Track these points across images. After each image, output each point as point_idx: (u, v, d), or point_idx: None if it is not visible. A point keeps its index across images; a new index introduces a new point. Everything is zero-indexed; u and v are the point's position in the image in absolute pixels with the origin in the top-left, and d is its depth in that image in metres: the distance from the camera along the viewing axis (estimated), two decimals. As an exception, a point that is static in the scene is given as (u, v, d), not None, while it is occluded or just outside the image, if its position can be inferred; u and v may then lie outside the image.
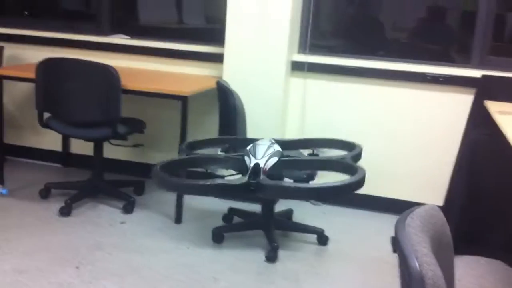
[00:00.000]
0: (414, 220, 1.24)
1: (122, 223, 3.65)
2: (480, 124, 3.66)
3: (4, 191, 3.98)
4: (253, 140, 3.31)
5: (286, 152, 3.30)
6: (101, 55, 4.36)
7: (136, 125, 3.93)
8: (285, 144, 3.44)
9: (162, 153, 4.46)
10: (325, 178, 3.01)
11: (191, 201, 3.98)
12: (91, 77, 3.57)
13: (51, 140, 4.65)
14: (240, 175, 3.11)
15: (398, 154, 4.01)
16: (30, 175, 4.43)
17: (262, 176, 2.97)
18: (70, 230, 3.49)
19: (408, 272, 1.10)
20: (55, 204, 3.79)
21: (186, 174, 3.49)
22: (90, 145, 3.96)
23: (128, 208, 3.81)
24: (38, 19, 4.91)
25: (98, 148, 3.94)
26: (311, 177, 3.32)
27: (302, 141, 3.66)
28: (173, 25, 4.89)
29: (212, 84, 3.84)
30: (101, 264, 3.07)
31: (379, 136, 4.00)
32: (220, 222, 3.72)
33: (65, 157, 4.73)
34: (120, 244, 3.34)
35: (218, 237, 3.45)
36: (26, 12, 5.11)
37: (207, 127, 4.27)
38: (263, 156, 3.08)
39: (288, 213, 3.83)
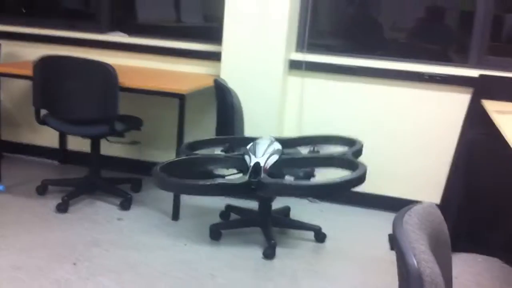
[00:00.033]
0: (412, 217, 1.24)
1: (119, 220, 3.65)
2: (477, 123, 3.67)
3: (1, 187, 3.97)
4: (253, 139, 3.31)
5: (285, 151, 3.31)
6: (99, 53, 4.35)
7: (133, 123, 3.93)
8: (285, 142, 3.45)
9: (159, 150, 4.47)
10: (326, 175, 3.02)
11: (188, 198, 3.98)
12: (88, 75, 3.57)
13: (48, 137, 4.65)
14: (241, 174, 3.12)
15: (395, 153, 4.02)
16: (27, 172, 4.43)
17: (263, 175, 2.98)
18: (67, 227, 3.49)
19: (406, 270, 1.10)
20: (52, 201, 3.79)
21: (187, 175, 3.48)
22: (87, 142, 3.96)
23: (125, 205, 3.81)
24: (37, 17, 4.90)
25: (95, 145, 3.94)
26: (311, 174, 3.32)
27: (302, 139, 3.67)
28: (171, 24, 4.89)
29: (209, 82, 3.85)
30: (98, 261, 3.07)
31: (377, 134, 4.01)
32: (217, 219, 3.72)
33: (62, 154, 4.73)
34: (117, 241, 3.34)
35: (215, 234, 3.45)
36: (23, 10, 5.09)
37: (204, 125, 4.27)
38: (264, 154, 3.09)
39: (285, 210, 3.84)
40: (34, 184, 4.00)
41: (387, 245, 3.53)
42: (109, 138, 3.82)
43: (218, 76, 4.01)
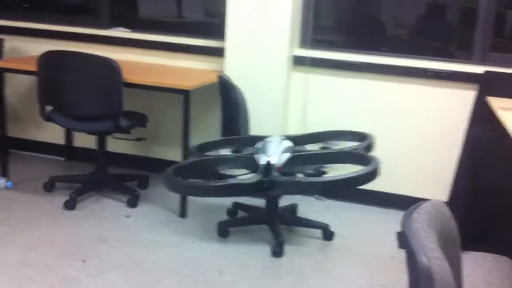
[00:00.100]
0: (421, 215, 1.24)
1: (126, 217, 3.67)
2: (482, 120, 3.66)
3: (8, 184, 3.99)
4: (262, 138, 3.31)
5: (295, 148, 3.31)
6: (101, 48, 4.35)
7: (139, 119, 3.93)
8: (295, 140, 3.45)
9: (164, 147, 4.47)
10: (338, 171, 3.02)
11: (195, 195, 3.99)
12: (92, 70, 3.57)
13: (54, 134, 4.66)
14: (253, 174, 3.12)
15: (400, 150, 4.01)
16: (33, 169, 4.44)
17: (275, 173, 2.98)
18: (75, 224, 3.50)
19: (416, 268, 1.10)
20: (60, 198, 3.80)
21: (198, 177, 3.49)
22: (93, 138, 3.97)
23: (133, 202, 3.82)
24: (39, 12, 4.90)
25: (101, 142, 3.95)
26: (324, 171, 3.31)
27: (312, 135, 3.66)
28: (173, 19, 4.89)
29: (213, 78, 3.85)
30: (106, 258, 3.08)
31: (381, 131, 4.00)
32: (224, 217, 3.73)
33: (68, 151, 4.74)
34: (125, 238, 3.35)
35: (223, 231, 3.46)
36: (25, 4, 5.09)
37: (209, 121, 4.28)
38: (274, 153, 3.09)
39: (293, 207, 3.84)
40: (41, 181, 4.01)
41: (394, 243, 3.51)
42: (115, 134, 3.82)
43: (221, 71, 4.01)
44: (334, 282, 3.02)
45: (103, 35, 4.49)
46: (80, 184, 3.91)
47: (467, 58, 3.93)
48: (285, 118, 4.13)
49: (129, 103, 3.75)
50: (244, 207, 3.76)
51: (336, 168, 3.26)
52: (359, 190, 3.46)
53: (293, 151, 3.21)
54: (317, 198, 4.17)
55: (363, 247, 3.46)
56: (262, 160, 3.08)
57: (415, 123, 3.97)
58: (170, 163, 3.99)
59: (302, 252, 3.33)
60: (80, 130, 3.97)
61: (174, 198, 3.76)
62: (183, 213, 3.72)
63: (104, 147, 3.97)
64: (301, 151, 3.36)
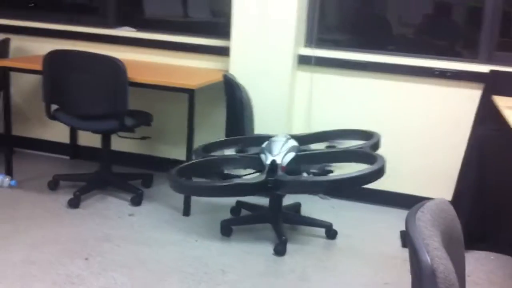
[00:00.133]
0: (424, 214, 1.23)
1: (130, 215, 3.67)
2: (488, 119, 3.65)
3: (12, 182, 4.00)
4: (267, 137, 3.31)
5: (301, 147, 3.30)
6: (107, 48, 4.36)
7: (143, 118, 3.94)
8: (301, 139, 3.44)
9: (169, 145, 4.48)
10: (344, 170, 3.01)
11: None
12: (98, 70, 3.58)
13: (58, 132, 4.67)
14: (258, 173, 3.12)
15: (405, 149, 4.00)
16: (38, 167, 4.45)
17: (280, 173, 2.97)
18: (79, 222, 3.50)
19: (419, 266, 1.09)
20: (64, 196, 3.81)
21: (203, 177, 3.48)
22: (98, 137, 3.98)
23: (136, 201, 3.83)
24: (45, 12, 4.92)
25: (106, 141, 3.95)
26: (329, 170, 3.30)
27: (318, 135, 3.66)
28: (178, 19, 4.89)
29: (218, 77, 3.85)
30: (109, 256, 3.08)
31: (387, 130, 3.98)
32: (228, 215, 3.73)
33: (73, 149, 4.75)
34: (129, 236, 3.35)
35: (226, 230, 3.46)
36: (31, 4, 5.11)
37: (214, 120, 4.27)
38: (280, 152, 3.08)
39: (296, 206, 3.84)
40: (45, 179, 4.02)
41: (398, 242, 3.52)
42: (120, 133, 3.83)
43: (227, 71, 4.01)
44: (337, 280, 3.01)
45: (109, 35, 4.49)
46: (84, 182, 3.92)
47: (473, 57, 3.92)
48: (290, 117, 4.13)
49: (134, 102, 3.76)
50: (247, 205, 3.76)
51: (341, 167, 3.25)
52: (364, 189, 3.45)
53: (299, 151, 3.20)
54: (321, 197, 4.17)
55: (366, 246, 3.46)
56: (267, 159, 3.07)
57: (420, 122, 3.96)
58: (174, 162, 4.01)
59: (305, 251, 3.32)
60: (85, 129, 3.97)
61: (178, 197, 3.76)
62: (186, 212, 3.72)
63: (109, 146, 3.98)
64: (307, 150, 3.36)
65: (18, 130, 4.63)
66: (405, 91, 3.96)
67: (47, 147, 4.79)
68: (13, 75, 4.08)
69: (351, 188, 3.72)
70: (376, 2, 4.60)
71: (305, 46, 4.15)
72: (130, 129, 3.81)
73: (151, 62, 4.41)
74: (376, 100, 4.02)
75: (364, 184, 2.98)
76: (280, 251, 3.24)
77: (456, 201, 3.61)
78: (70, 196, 3.73)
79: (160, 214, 3.71)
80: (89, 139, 4.54)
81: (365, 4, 4.58)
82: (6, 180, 3.99)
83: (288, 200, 3.70)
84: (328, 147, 3.56)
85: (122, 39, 4.47)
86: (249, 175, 3.30)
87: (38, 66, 3.68)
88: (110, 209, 3.73)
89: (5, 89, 3.99)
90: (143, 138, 4.20)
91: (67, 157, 4.74)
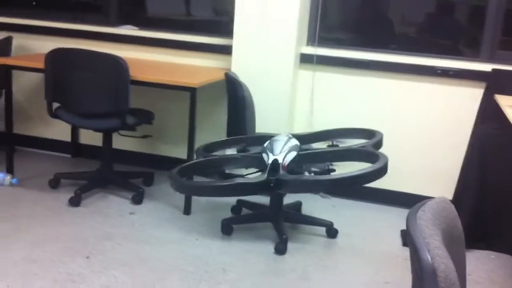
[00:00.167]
0: (425, 213, 1.23)
1: (131, 213, 3.67)
2: (490, 118, 3.64)
3: (14, 181, 4.00)
4: (269, 137, 3.30)
5: (303, 147, 3.29)
6: (109, 46, 4.36)
7: (145, 116, 3.94)
8: (302, 138, 3.43)
9: (170, 144, 4.48)
10: (346, 169, 3.00)
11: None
12: (100, 68, 3.58)
13: (60, 130, 4.67)
14: (260, 173, 3.11)
15: (407, 147, 4.00)
16: (39, 165, 4.45)
17: (281, 172, 2.97)
18: (80, 221, 3.50)
19: (420, 265, 1.09)
20: (65, 194, 3.81)
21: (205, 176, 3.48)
22: (99, 135, 3.98)
23: (137, 199, 3.82)
24: (47, 10, 4.92)
25: (107, 139, 3.95)
26: (331, 168, 3.29)
27: (320, 133, 3.65)
28: (181, 17, 4.89)
29: (220, 76, 3.84)
30: (110, 255, 3.08)
31: (388, 129, 3.98)
32: (228, 214, 3.73)
33: (74, 148, 4.75)
34: (129, 235, 3.35)
35: (227, 229, 3.45)
36: (34, 2, 5.11)
37: (215, 118, 4.27)
38: (281, 151, 3.08)
39: (297, 205, 3.83)
40: (46, 178, 4.02)
41: (399, 241, 3.52)
42: (121, 131, 3.83)
43: (229, 69, 4.00)
44: (338, 279, 3.01)
45: (111, 33, 4.49)
46: (86, 181, 3.92)
47: (475, 56, 3.91)
48: (292, 116, 4.12)
49: (136, 100, 3.76)
50: (248, 204, 3.76)
51: (343, 165, 3.25)
52: (364, 187, 3.45)
53: (300, 150, 3.19)
54: (322, 196, 4.17)
55: (367, 245, 3.45)
56: (269, 159, 3.07)
57: (422, 120, 3.95)
58: (176, 160, 4.01)
59: (306, 250, 3.32)
60: (86, 127, 3.98)
61: (179, 196, 3.76)
62: (187, 210, 3.71)
63: (110, 144, 3.97)
64: (308, 150, 3.35)
65: (19, 129, 4.63)
66: (407, 89, 3.95)
67: (49, 145, 4.79)
68: (15, 74, 4.08)
69: (352, 187, 3.72)
70: (379, 1, 4.59)
71: (307, 44, 4.14)
72: (132, 128, 3.81)
73: (153, 60, 4.41)
74: (378, 99, 4.01)
75: (366, 183, 2.97)
76: (280, 250, 3.24)
77: (457, 200, 3.61)
78: (71, 194, 3.73)
79: (161, 213, 3.70)
80: (90, 137, 4.54)
81: (368, 3, 4.58)
82: (8, 178, 3.99)
83: (289, 199, 3.70)
84: (330, 146, 3.55)
85: (125, 38, 4.46)
86: (251, 175, 3.30)
87: (40, 64, 3.68)
88: (111, 208, 3.73)
89: (7, 87, 3.99)
90: (144, 136, 4.20)
91: (69, 156, 4.74)
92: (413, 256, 1.14)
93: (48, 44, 4.00)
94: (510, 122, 2.93)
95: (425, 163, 3.99)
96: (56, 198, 3.81)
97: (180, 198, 3.76)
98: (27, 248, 3.09)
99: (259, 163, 3.18)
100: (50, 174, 4.03)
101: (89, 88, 3.62)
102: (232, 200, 3.79)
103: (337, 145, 3.55)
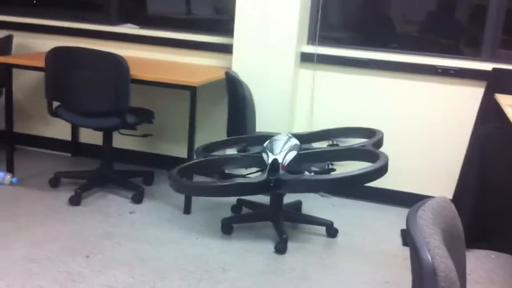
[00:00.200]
0: (425, 212, 1.23)
1: (131, 213, 3.66)
2: (490, 117, 3.64)
3: (14, 180, 4.00)
4: (269, 136, 3.30)
5: (303, 146, 3.29)
6: (110, 45, 4.36)
7: (145, 115, 3.93)
8: (303, 138, 3.43)
9: (170, 143, 4.47)
10: (347, 169, 3.00)
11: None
12: (100, 67, 3.57)
13: (60, 129, 4.67)
14: (260, 173, 3.11)
15: (407, 147, 4.00)
16: (39, 164, 4.45)
17: (281, 172, 2.96)
18: (80, 220, 3.50)
19: (420, 265, 1.09)
20: (65, 193, 3.80)
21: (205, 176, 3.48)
22: (99, 134, 3.97)
23: (137, 198, 3.82)
24: (48, 8, 4.91)
25: (108, 138, 3.95)
26: (331, 168, 3.29)
27: (321, 133, 3.65)
28: (181, 16, 4.89)
29: (221, 75, 3.84)
30: (110, 254, 3.08)
31: (388, 128, 3.97)
32: (229, 213, 3.72)
33: (74, 146, 4.75)
34: (129, 234, 3.35)
35: (227, 228, 3.45)
36: (35, 1, 5.11)
37: (216, 117, 4.27)
38: (281, 151, 3.07)
39: (297, 204, 3.83)
40: (46, 177, 4.02)
41: (399, 240, 3.52)
42: (121, 130, 3.83)
43: (229, 68, 4.00)
44: (338, 279, 3.01)
45: (112, 32, 4.49)
46: (86, 180, 3.91)
47: (476, 55, 3.91)
48: (292, 115, 4.12)
49: (136, 99, 3.75)
50: (248, 203, 3.75)
51: (344, 165, 3.24)
52: (365, 187, 3.45)
53: (300, 149, 3.19)
54: (322, 195, 4.16)
55: (367, 244, 3.45)
56: (269, 158, 3.06)
57: (422, 120, 3.95)
58: (176, 159, 4.01)
59: (306, 249, 3.32)
60: (87, 126, 3.97)
61: (179, 195, 3.75)
62: (187, 210, 3.71)
63: (110, 143, 3.97)
64: (309, 149, 3.35)
65: (19, 127, 4.63)
66: (407, 89, 3.95)
67: (49, 144, 4.79)
68: (15, 72, 4.07)
69: (352, 186, 3.71)
70: (380, 0, 4.59)
71: (308, 43, 4.14)
72: (132, 127, 3.80)
73: (154, 59, 4.41)
74: (379, 98, 4.01)
75: (366, 183, 2.97)
76: (280, 249, 3.23)
77: (457, 199, 3.60)
78: (71, 193, 3.73)
79: (161, 212, 3.70)
80: (90, 136, 4.54)
81: (368, 2, 4.57)
82: (8, 177, 3.99)
83: (289, 198, 3.69)
84: (330, 145, 3.55)
85: (125, 36, 4.46)
86: (251, 174, 3.29)
87: (41, 63, 3.67)
88: (111, 207, 3.73)
89: (7, 86, 3.98)
90: (144, 135, 4.19)
91: (69, 155, 4.74)
92: (413, 256, 1.14)
93: (49, 43, 4.00)
94: (510, 122, 2.92)
95: (425, 162, 3.98)
96: (56, 197, 3.81)
97: (180, 197, 3.75)
98: (27, 247, 3.09)
99: (259, 163, 3.17)
100: (50, 173, 4.03)
101: (89, 87, 3.61)
102: (232, 199, 3.78)
103: (337, 145, 3.55)
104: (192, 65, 4.28)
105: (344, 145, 3.50)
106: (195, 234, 3.41)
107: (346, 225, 3.63)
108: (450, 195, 3.79)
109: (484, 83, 3.77)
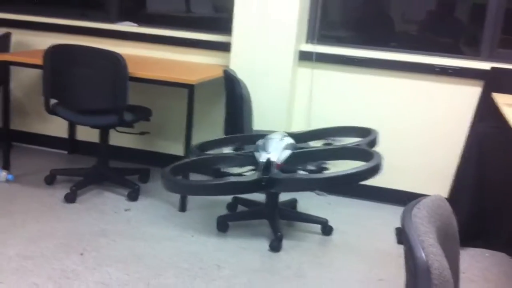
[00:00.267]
0: (420, 210, 1.22)
1: (126, 210, 3.66)
2: (487, 116, 3.64)
3: (10, 177, 3.99)
4: (264, 135, 3.29)
5: (298, 145, 3.29)
6: (109, 43, 4.34)
7: (143, 113, 3.92)
8: (297, 137, 3.43)
9: (168, 141, 4.46)
10: (341, 168, 2.99)
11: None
12: (98, 64, 3.56)
13: (57, 127, 4.65)
14: (253, 171, 3.10)
15: (404, 145, 3.99)
16: (36, 162, 4.44)
17: (275, 171, 2.96)
18: (75, 217, 3.49)
19: (414, 263, 1.09)
20: (61, 191, 3.79)
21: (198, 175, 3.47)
22: (96, 132, 3.97)
23: (133, 196, 3.81)
24: (46, 6, 4.90)
25: (104, 135, 3.94)
26: (325, 167, 3.29)
27: (316, 132, 3.65)
28: (181, 14, 4.88)
29: (219, 73, 3.83)
30: (105, 251, 3.07)
31: (386, 127, 3.97)
32: (224, 211, 3.72)
33: (71, 144, 4.74)
34: (125, 231, 3.34)
35: (222, 226, 3.44)
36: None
37: (213, 115, 4.26)
38: (275, 150, 3.07)
39: (293, 202, 3.83)
40: (42, 174, 4.01)
41: (394, 238, 3.51)
42: (118, 128, 3.82)
43: (228, 66, 3.99)
44: (333, 277, 3.00)
45: (111, 30, 4.48)
46: (81, 177, 3.90)
47: (475, 54, 3.91)
48: (290, 114, 4.11)
49: (134, 97, 3.74)
50: (244, 201, 3.75)
51: (337, 164, 3.24)
52: (360, 185, 3.44)
53: (295, 148, 3.18)
54: (318, 194, 4.16)
55: (362, 242, 3.45)
56: (262, 157, 3.06)
57: (420, 119, 3.95)
58: (173, 157, 4.00)
59: (301, 247, 3.31)
60: (84, 124, 3.96)
61: (175, 193, 3.75)
62: (183, 207, 3.70)
63: (107, 141, 3.96)
64: (303, 148, 3.34)
65: (16, 125, 4.62)
66: (405, 87, 3.95)
67: (46, 141, 4.78)
68: (13, 70, 4.06)
69: (346, 185, 3.71)
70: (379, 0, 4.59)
71: (307, 42, 4.13)
72: (129, 124, 3.79)
73: (152, 57, 4.40)
74: (377, 97, 4.00)
75: (359, 181, 2.97)
76: (275, 247, 3.23)
77: (454, 198, 3.60)
78: (67, 190, 3.72)
79: (157, 210, 3.69)
80: (87, 134, 4.53)
81: (368, 1, 4.57)
82: (4, 174, 3.97)
83: (285, 196, 3.69)
84: (325, 144, 3.54)
85: (123, 34, 4.45)
86: (246, 173, 3.29)
87: (39, 61, 3.66)
88: (107, 204, 3.72)
89: (4, 83, 3.98)
90: (142, 133, 4.19)
91: (65, 152, 4.73)
92: (408, 254, 1.13)
93: (47, 40, 3.99)
94: (507, 121, 2.92)
95: (422, 161, 3.98)
96: (51, 194, 3.80)
97: (176, 195, 3.74)
98: (22, 244, 3.08)
99: (254, 162, 3.17)
100: (47, 170, 4.02)
101: (87, 85, 3.60)
102: (228, 197, 3.78)
103: (332, 144, 3.55)
104: (191, 63, 4.27)
105: (339, 144, 3.50)
106: (191, 231, 3.41)
107: (341, 223, 3.63)
108: (446, 194, 3.79)
109: (482, 82, 3.77)
